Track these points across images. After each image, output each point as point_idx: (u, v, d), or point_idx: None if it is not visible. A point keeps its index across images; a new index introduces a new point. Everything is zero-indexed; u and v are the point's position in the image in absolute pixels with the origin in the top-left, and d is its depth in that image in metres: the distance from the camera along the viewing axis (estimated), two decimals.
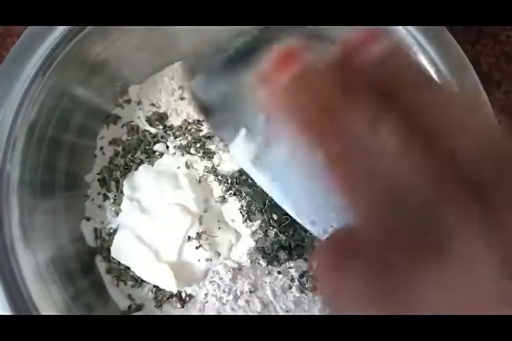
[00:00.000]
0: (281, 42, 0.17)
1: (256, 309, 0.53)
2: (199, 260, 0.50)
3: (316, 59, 0.15)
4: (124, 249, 0.52)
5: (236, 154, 0.24)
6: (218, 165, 0.52)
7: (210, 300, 0.53)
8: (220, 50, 0.18)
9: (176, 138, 0.55)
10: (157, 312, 0.54)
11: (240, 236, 0.50)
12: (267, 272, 0.53)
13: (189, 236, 0.49)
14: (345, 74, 0.16)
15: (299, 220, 0.22)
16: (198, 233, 0.49)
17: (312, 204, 0.21)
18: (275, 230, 0.51)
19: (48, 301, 0.47)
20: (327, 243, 0.18)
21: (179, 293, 0.53)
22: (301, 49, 0.15)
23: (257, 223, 0.49)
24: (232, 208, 0.50)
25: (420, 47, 0.48)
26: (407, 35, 0.48)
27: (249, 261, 0.50)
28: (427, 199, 0.14)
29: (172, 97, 0.57)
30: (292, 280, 0.54)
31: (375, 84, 0.16)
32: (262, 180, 0.23)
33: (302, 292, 0.55)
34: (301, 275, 0.54)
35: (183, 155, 0.53)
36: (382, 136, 0.14)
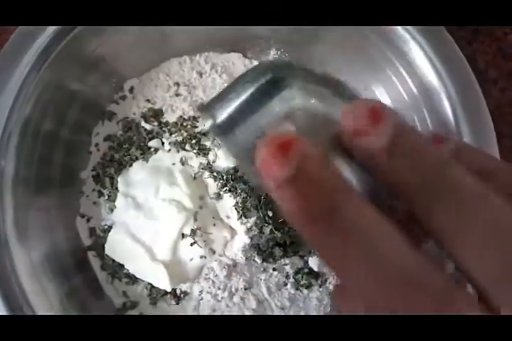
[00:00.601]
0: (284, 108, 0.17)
1: (251, 306, 0.53)
2: (193, 258, 0.50)
3: (313, 149, 0.15)
4: (118, 247, 0.52)
5: None
6: (214, 162, 0.51)
7: (205, 297, 0.53)
8: (233, 97, 0.18)
9: (171, 134, 0.55)
10: (152, 309, 0.54)
11: (235, 233, 0.50)
12: (262, 269, 0.53)
13: (183, 234, 0.49)
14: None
15: None
16: (192, 229, 0.49)
17: None
18: (270, 227, 0.51)
19: (42, 298, 0.47)
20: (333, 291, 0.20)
21: (174, 290, 0.53)
22: (296, 138, 0.15)
23: (252, 220, 0.49)
24: (228, 205, 0.50)
25: (417, 44, 0.48)
26: (405, 32, 0.49)
27: (244, 258, 0.50)
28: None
29: (167, 93, 0.57)
30: (287, 277, 0.54)
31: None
32: None
33: (297, 289, 0.55)
34: (296, 272, 0.54)
35: (178, 151, 0.53)
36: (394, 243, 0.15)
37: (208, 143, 0.52)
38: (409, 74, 0.51)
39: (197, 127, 0.55)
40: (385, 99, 0.56)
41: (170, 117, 0.56)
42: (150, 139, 0.55)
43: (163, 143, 0.55)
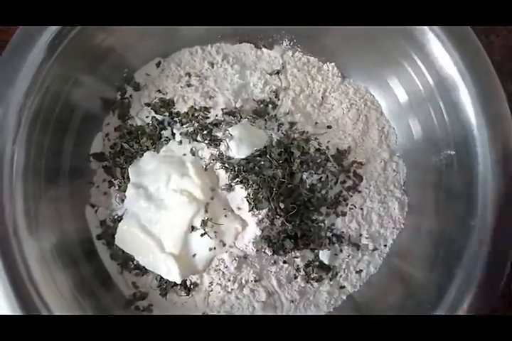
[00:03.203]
0: None
1: (261, 298, 0.53)
2: (203, 249, 0.50)
3: None
4: (128, 239, 0.51)
5: None
6: (225, 153, 0.51)
7: (214, 289, 0.52)
8: None
9: (182, 124, 0.54)
10: (162, 300, 0.54)
11: (246, 225, 0.50)
12: (272, 261, 0.53)
13: (193, 227, 0.49)
14: None
15: None
16: (203, 220, 0.48)
17: None
18: (282, 219, 0.50)
19: (52, 288, 0.47)
20: None
21: (184, 281, 0.52)
22: None
23: (264, 211, 0.49)
24: (239, 196, 0.49)
25: (436, 36, 0.48)
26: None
27: (254, 250, 0.50)
28: None
29: (179, 84, 0.57)
30: (298, 270, 0.54)
31: None
32: None
33: (307, 282, 0.54)
34: (307, 265, 0.54)
35: (189, 142, 0.52)
36: None
37: (219, 134, 0.52)
38: (427, 66, 0.50)
39: (208, 118, 0.54)
40: (400, 91, 0.55)
41: (181, 107, 0.55)
42: (161, 129, 0.55)
43: (173, 134, 0.54)
